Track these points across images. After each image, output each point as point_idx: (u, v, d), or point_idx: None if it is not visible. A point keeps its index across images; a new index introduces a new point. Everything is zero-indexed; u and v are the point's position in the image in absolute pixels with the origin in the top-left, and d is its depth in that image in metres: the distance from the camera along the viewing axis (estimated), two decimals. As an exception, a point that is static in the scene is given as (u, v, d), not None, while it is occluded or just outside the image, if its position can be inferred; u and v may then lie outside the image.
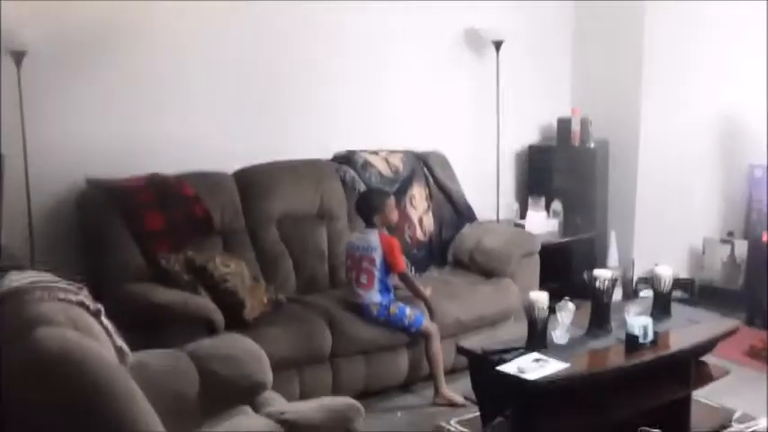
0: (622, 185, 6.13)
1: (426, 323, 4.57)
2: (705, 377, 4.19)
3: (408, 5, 5.57)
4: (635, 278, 5.96)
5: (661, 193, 6.08)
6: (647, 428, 3.82)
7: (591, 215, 6.04)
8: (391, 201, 4.75)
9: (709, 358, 4.23)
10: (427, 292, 4.67)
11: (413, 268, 5.19)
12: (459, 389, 4.55)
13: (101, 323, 2.67)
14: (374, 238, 4.58)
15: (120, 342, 2.75)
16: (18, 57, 4.23)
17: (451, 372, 4.75)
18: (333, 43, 5.37)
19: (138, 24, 4.70)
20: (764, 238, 5.64)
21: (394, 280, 4.65)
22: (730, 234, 6.12)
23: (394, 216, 4.73)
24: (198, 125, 4.94)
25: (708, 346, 4.13)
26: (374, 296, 4.54)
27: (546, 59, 6.29)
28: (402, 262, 4.64)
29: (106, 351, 2.52)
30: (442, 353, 4.57)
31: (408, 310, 4.54)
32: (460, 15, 5.82)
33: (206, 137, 4.95)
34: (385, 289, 4.59)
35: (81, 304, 2.63)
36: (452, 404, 4.52)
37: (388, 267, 4.58)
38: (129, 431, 2.28)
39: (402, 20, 5.58)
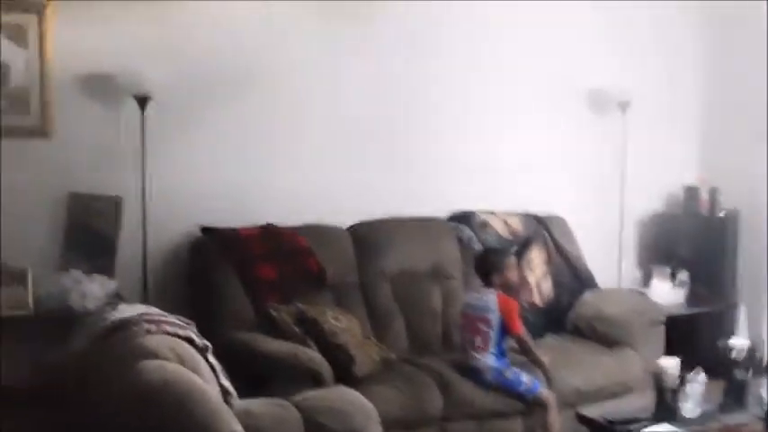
0: (753, 257, 5.80)
1: (544, 391, 4.33)
2: None
3: (532, 63, 5.45)
4: (766, 356, 5.57)
5: (796, 268, 5.72)
6: None
7: (719, 287, 5.74)
8: (512, 260, 4.61)
9: None
10: (545, 358, 4.45)
11: (530, 334, 4.96)
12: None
13: (207, 361, 2.58)
14: (491, 298, 4.40)
15: (227, 383, 2.65)
16: (142, 101, 4.26)
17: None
18: (454, 101, 5.28)
19: (260, 72, 4.70)
20: None
21: (510, 343, 4.45)
22: None
23: (513, 276, 4.54)
24: (314, 178, 4.88)
25: None
26: (489, 359, 4.34)
27: (673, 124, 6.05)
28: (520, 324, 4.43)
29: (211, 389, 2.42)
30: (558, 424, 4.31)
31: (525, 376, 4.32)
32: (585, 74, 5.66)
33: (322, 190, 4.89)
34: (500, 352, 4.38)
35: (189, 340, 2.55)
36: None
37: (505, 330, 4.38)
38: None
39: (525, 78, 5.46)
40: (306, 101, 4.85)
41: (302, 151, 4.86)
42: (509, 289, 4.54)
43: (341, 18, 4.86)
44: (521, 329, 4.42)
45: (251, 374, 3.62)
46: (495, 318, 4.36)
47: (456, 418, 4.24)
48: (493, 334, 4.36)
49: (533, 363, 4.41)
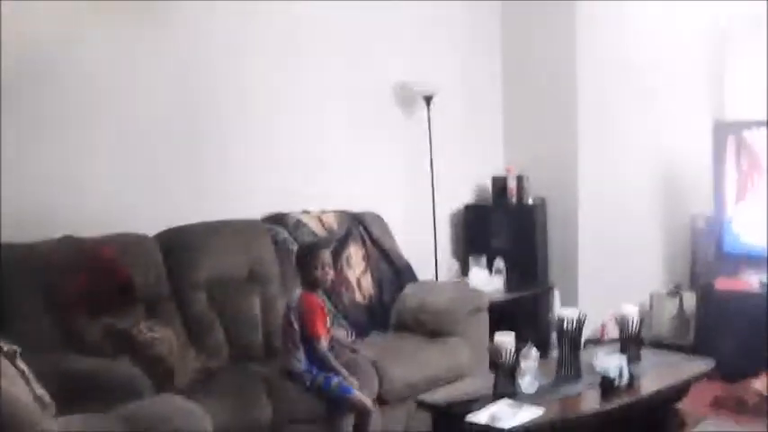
0: (563, 242, 5.94)
1: (356, 395, 4.05)
2: (682, 424, 3.90)
3: (338, 61, 5.33)
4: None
5: (603, 249, 5.89)
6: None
7: (533, 273, 5.84)
8: (324, 255, 4.24)
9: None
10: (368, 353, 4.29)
11: (352, 333, 4.81)
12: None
13: (17, 367, 2.24)
14: (296, 298, 4.18)
15: (41, 390, 2.31)
16: None
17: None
18: (259, 101, 5.05)
19: (51, 78, 4.30)
20: (717, 286, 5.45)
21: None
22: (677, 287, 5.92)
23: (327, 271, 4.20)
24: (116, 185, 4.51)
25: (683, 389, 3.85)
26: (299, 363, 4.10)
27: (478, 117, 6.11)
28: (317, 328, 4.08)
29: (25, 397, 2.09)
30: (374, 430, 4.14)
31: (335, 381, 4.05)
32: (389, 69, 5.61)
33: (125, 197, 4.53)
34: (310, 357, 4.12)
35: (-10, 345, 2.20)
36: None
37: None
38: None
39: (330, 76, 5.33)
40: (103, 103, 4.48)
41: (100, 157, 4.49)
42: (322, 285, 4.32)
43: (138, 19, 4.54)
44: (317, 333, 4.08)
45: (62, 397, 3.25)
46: (298, 318, 4.12)
47: (286, 423, 4.00)
48: (297, 336, 4.12)
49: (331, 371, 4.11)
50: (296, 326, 4.12)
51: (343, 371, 4.12)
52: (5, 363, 2.15)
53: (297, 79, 5.20)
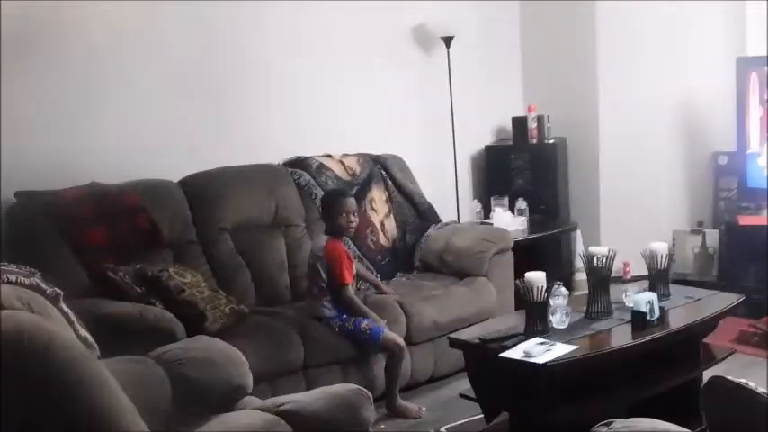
0: (585, 182, 5.93)
1: (388, 335, 4.11)
2: (710, 358, 3.91)
3: (355, 4, 5.26)
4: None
5: (625, 187, 5.87)
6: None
7: (555, 213, 5.84)
8: (350, 202, 4.28)
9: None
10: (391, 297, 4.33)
11: (378, 276, 4.82)
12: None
13: (60, 310, 2.25)
14: (322, 245, 4.19)
15: (85, 332, 2.33)
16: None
17: (429, 381, 4.44)
18: (278, 45, 5.02)
19: (68, 24, 4.27)
20: (740, 223, 5.44)
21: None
22: (700, 224, 5.90)
23: (353, 219, 4.24)
24: (140, 133, 4.50)
25: (713, 323, 3.85)
26: (327, 310, 4.14)
27: (497, 58, 6.06)
28: (344, 275, 4.12)
29: (73, 337, 2.10)
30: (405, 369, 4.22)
31: (365, 324, 4.09)
32: (408, 11, 5.55)
33: (147, 145, 4.51)
34: (335, 302, 4.16)
35: (36, 287, 2.21)
36: (406, 416, 4.12)
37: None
38: (106, 423, 1.87)
39: (349, 18, 5.27)
40: (125, 49, 4.45)
41: (125, 106, 4.47)
42: (347, 233, 4.34)
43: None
44: (343, 280, 4.12)
45: (98, 341, 3.26)
46: (324, 266, 4.16)
47: (319, 364, 4.05)
48: (323, 284, 4.16)
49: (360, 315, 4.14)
50: (322, 274, 4.15)
51: (372, 313, 4.15)
52: (50, 307, 2.15)
53: (316, 23, 5.15)
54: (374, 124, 5.44)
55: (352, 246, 4.77)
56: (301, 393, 2.84)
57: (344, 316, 4.12)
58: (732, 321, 4.59)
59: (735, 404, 2.23)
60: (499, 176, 5.91)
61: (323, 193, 4.71)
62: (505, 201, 5.62)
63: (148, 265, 3.96)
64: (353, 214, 4.26)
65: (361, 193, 5.01)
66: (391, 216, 5.12)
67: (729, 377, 2.28)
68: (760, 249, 5.28)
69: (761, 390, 2.21)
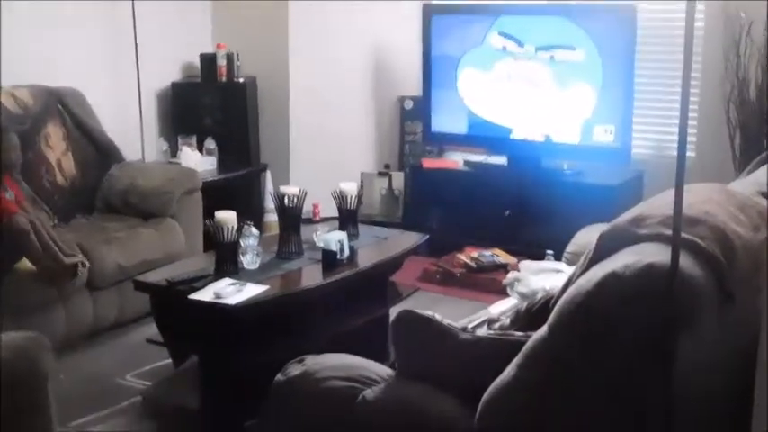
0: (275, 123, 5.85)
1: None
2: (397, 295, 4.01)
3: None
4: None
5: (315, 130, 5.87)
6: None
7: (245, 153, 5.72)
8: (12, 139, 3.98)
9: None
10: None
11: (55, 218, 4.47)
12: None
13: None
14: None
15: None
16: None
17: (113, 327, 4.21)
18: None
19: None
20: (425, 165, 5.62)
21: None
22: (387, 167, 6.04)
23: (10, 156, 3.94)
24: None
25: (399, 261, 3.94)
26: None
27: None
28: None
29: None
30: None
31: None
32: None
33: None
34: None
35: None
36: None
37: None
38: None
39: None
40: None
41: None
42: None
43: None
44: None
45: None
46: None
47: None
48: None
49: None
50: None
51: None
52: None
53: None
54: (51, 54, 4.98)
55: (25, 185, 4.38)
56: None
57: None
58: (416, 260, 4.74)
59: (422, 335, 2.27)
60: (187, 115, 5.68)
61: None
62: (193, 140, 5.44)
63: None
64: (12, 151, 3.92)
65: (36, 128, 4.60)
66: (69, 154, 4.75)
67: (417, 310, 2.32)
68: (442, 191, 5.49)
69: (446, 321, 2.27)
